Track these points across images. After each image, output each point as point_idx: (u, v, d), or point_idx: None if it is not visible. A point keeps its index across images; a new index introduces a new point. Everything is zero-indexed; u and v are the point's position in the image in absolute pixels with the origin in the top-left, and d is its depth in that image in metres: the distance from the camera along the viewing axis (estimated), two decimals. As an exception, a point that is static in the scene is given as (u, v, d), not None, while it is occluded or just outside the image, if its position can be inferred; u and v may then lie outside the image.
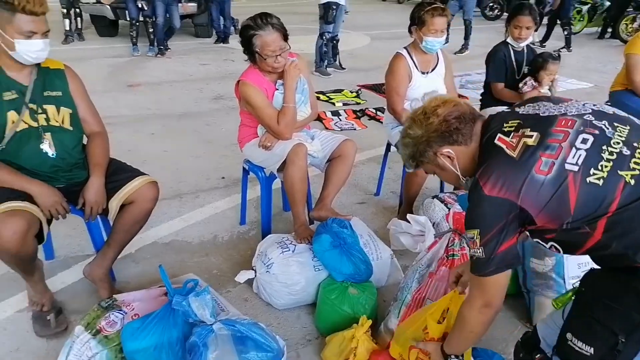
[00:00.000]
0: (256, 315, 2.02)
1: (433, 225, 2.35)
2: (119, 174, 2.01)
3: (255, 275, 2.06)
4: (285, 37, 2.15)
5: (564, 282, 1.90)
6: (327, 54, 6.09)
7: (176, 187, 3.11)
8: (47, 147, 1.88)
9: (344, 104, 4.93)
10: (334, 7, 5.60)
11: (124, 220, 1.99)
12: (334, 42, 6.11)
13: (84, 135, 2.04)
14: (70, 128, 1.95)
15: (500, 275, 1.18)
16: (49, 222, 1.89)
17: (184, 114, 4.58)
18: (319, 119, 4.45)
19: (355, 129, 4.27)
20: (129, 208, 1.97)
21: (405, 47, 2.67)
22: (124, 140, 3.78)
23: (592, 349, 1.12)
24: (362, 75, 6.02)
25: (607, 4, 9.79)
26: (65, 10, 7.30)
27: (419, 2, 2.66)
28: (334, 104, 4.95)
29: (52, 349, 1.80)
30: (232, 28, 8.13)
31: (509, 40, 3.02)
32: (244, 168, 2.56)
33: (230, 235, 2.62)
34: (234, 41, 7.84)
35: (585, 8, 10.02)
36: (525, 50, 3.05)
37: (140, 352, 1.46)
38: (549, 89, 2.95)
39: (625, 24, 8.88)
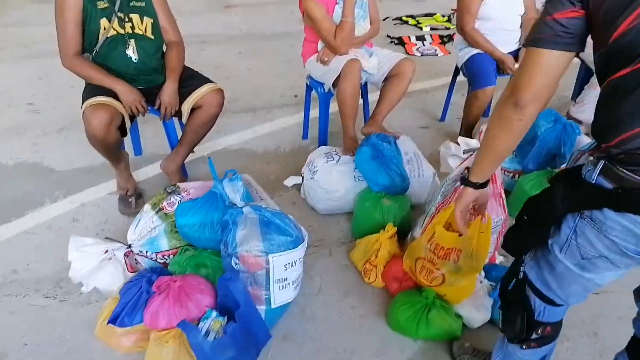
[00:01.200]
0: (300, 217, 2.22)
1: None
2: (190, 80, 2.25)
3: (303, 182, 2.25)
4: None
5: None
6: None
7: (252, 102, 3.35)
8: (131, 52, 2.16)
9: (432, 29, 4.74)
10: None
11: (193, 122, 2.25)
12: None
13: (164, 44, 2.29)
14: (152, 37, 2.20)
15: (541, 53, 0.96)
16: (132, 118, 2.20)
17: (272, 35, 4.75)
18: (402, 43, 4.36)
19: (437, 55, 4.14)
20: (197, 111, 2.22)
21: (484, -38, 2.51)
22: (213, 57, 4.08)
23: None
24: (460, -1, 5.64)
25: None
26: None
27: None
28: (421, 28, 4.78)
29: (131, 224, 2.18)
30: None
31: None
32: (306, 84, 2.69)
33: (291, 147, 2.82)
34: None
35: None
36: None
37: (188, 227, 1.73)
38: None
39: None
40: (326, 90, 2.49)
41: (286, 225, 1.58)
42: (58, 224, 2.25)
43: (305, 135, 2.89)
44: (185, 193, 1.93)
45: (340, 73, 2.25)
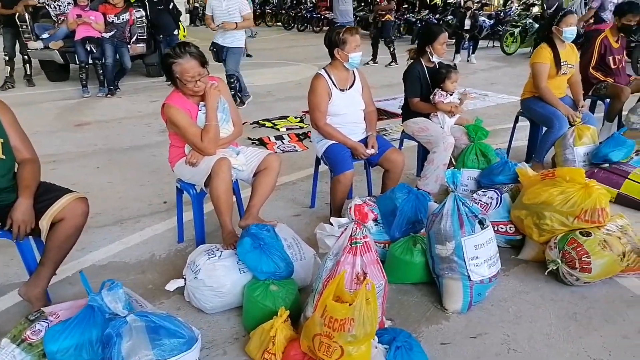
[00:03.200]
0: (187, 322, 2.09)
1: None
2: (47, 193, 2.09)
3: (185, 284, 2.17)
4: (202, 64, 2.34)
5: (465, 262, 2.09)
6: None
7: (118, 214, 3.20)
8: None
9: (288, 129, 5.15)
10: (212, 48, 5.74)
11: (55, 237, 2.07)
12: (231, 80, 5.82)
13: (16, 163, 2.14)
14: (3, 157, 2.05)
15: None
16: None
17: (130, 147, 4.69)
18: (263, 143, 4.65)
19: (297, 150, 4.47)
20: (59, 225, 2.05)
21: (324, 68, 2.90)
22: (68, 175, 3.86)
23: None
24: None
25: (536, 26, 10.58)
26: (7, 58, 7.36)
27: (335, 27, 2.92)
28: (278, 129, 5.16)
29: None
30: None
31: (434, 59, 3.26)
32: (177, 187, 2.70)
33: (167, 253, 2.72)
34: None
35: (517, 30, 10.79)
36: (437, 66, 3.34)
37: (61, 352, 1.54)
38: (459, 99, 3.23)
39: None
40: (198, 191, 2.53)
41: (176, 327, 1.51)
42: None
43: (180, 238, 2.82)
44: (54, 317, 1.73)
45: (211, 172, 2.32)
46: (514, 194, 2.69)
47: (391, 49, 9.38)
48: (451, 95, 3.19)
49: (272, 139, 4.79)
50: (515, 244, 2.64)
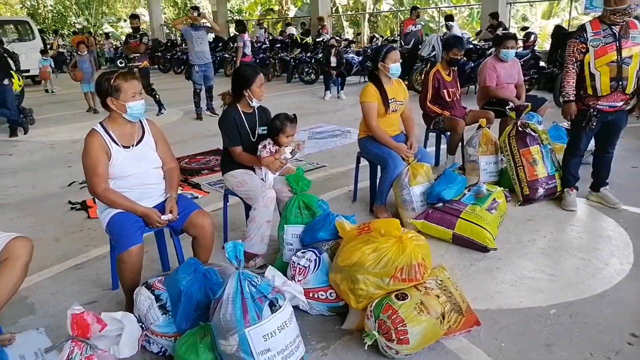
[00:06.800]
0: None
1: (138, 319, 2.02)
2: None
3: None
4: None
5: (254, 358, 1.66)
6: None
7: None
8: None
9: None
10: None
11: None
12: None
13: None
14: None
15: None
16: None
17: None
18: (85, 207, 3.98)
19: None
20: None
21: (100, 123, 2.39)
22: None
23: None
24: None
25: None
26: None
27: (104, 73, 2.40)
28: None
29: None
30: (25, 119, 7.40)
31: (253, 103, 2.87)
32: None
33: None
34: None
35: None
36: (257, 111, 2.97)
37: None
38: (291, 153, 2.87)
39: (416, 77, 10.01)
40: None
41: None
42: None
43: None
44: None
45: None
46: (333, 252, 2.35)
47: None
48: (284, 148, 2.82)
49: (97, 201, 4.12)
50: (340, 310, 2.28)
